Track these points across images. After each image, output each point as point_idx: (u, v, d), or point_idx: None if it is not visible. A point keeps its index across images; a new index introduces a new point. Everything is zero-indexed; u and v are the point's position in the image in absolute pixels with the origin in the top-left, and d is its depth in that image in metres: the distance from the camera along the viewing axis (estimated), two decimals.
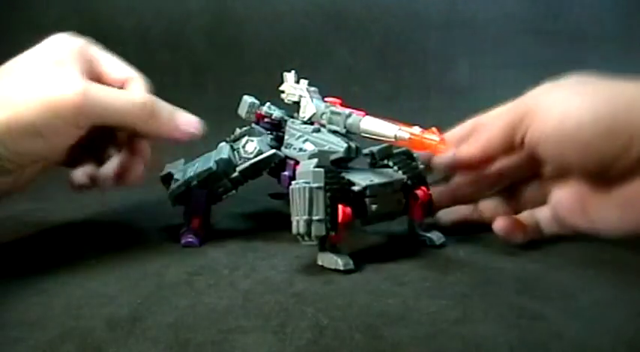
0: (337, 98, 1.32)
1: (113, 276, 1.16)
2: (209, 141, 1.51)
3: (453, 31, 2.18)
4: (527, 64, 2.18)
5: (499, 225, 1.26)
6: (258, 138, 1.34)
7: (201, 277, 1.15)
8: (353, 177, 1.20)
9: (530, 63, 2.18)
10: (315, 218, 1.13)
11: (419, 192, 1.25)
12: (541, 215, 1.31)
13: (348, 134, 1.26)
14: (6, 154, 1.12)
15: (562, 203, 1.25)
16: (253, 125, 1.39)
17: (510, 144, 1.22)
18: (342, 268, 1.15)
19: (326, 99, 1.33)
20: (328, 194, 1.13)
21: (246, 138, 1.34)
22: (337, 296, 1.06)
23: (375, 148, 1.28)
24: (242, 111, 1.42)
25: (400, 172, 1.26)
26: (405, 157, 1.29)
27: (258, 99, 1.42)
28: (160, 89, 2.19)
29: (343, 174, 1.20)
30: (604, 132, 1.09)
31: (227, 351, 0.89)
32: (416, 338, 0.92)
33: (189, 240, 1.32)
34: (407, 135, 1.15)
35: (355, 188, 1.18)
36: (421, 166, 1.29)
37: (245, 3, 2.17)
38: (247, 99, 1.42)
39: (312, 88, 1.37)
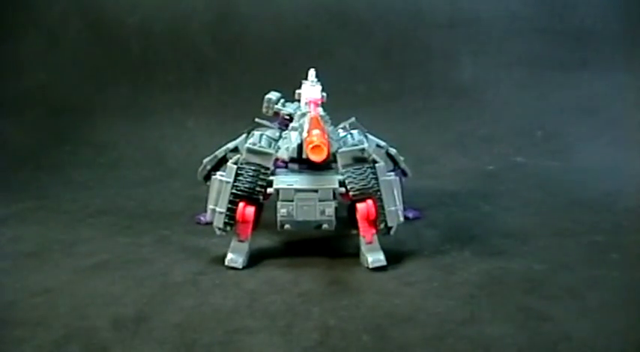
0: (320, 99, 1.31)
1: (118, 276, 1.16)
2: (213, 138, 1.51)
3: (457, 30, 2.17)
4: (531, 63, 2.17)
5: None
6: (260, 132, 1.31)
7: (207, 277, 1.14)
8: (279, 178, 1.19)
9: (534, 62, 2.17)
10: (218, 210, 1.18)
11: (359, 205, 1.18)
12: None
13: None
14: None
15: None
16: (256, 119, 1.38)
17: None
18: (226, 263, 1.18)
19: (309, 99, 1.31)
20: (233, 190, 1.17)
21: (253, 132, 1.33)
22: (344, 296, 1.06)
23: (342, 149, 1.20)
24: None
25: (348, 181, 1.17)
26: (367, 167, 1.18)
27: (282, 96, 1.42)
28: (163, 87, 2.20)
29: (275, 175, 1.20)
30: None
31: None
32: (424, 339, 0.91)
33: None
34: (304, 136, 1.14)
35: (269, 190, 1.18)
36: (388, 177, 1.18)
37: (249, 1, 2.16)
38: (269, 94, 1.41)
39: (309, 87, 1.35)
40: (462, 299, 1.04)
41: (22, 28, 2.23)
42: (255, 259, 1.21)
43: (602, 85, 2.14)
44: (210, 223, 1.20)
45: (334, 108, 1.36)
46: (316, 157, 1.07)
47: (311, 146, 1.06)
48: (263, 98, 1.40)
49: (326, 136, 1.08)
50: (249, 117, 1.35)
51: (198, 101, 2.16)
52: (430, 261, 1.20)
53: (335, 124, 1.29)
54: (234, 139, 1.32)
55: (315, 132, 1.08)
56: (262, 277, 1.14)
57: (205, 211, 1.22)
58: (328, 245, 1.30)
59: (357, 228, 1.19)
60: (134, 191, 1.78)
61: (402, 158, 1.40)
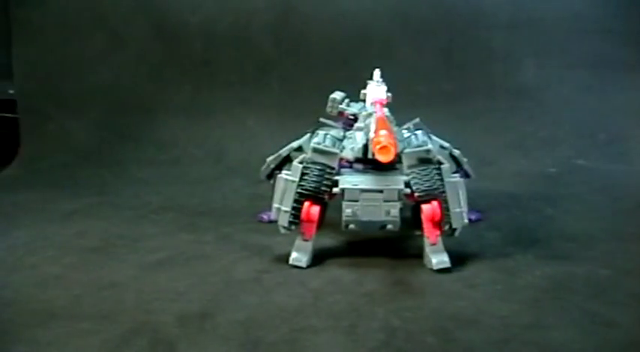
0: (386, 100, 1.31)
1: (182, 272, 1.17)
2: (273, 137, 1.52)
3: (519, 31, 2.14)
4: (594, 64, 2.13)
5: None
6: (324, 132, 1.31)
7: (270, 275, 1.15)
8: (344, 178, 1.19)
9: (597, 63, 2.14)
10: (283, 208, 1.19)
11: (424, 207, 1.18)
12: None
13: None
14: None
15: None
16: (321, 119, 1.38)
17: None
18: (290, 261, 1.19)
19: (375, 99, 1.31)
20: (298, 189, 1.18)
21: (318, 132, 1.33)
22: (408, 297, 1.06)
23: (407, 150, 1.20)
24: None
25: (413, 182, 1.18)
26: (432, 168, 1.19)
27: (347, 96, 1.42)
28: (225, 86, 2.22)
29: (340, 175, 1.20)
30: None
31: (299, 351, 0.89)
32: (489, 343, 0.91)
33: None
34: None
35: (334, 190, 1.18)
36: (453, 179, 1.19)
37: (310, 1, 2.17)
38: (334, 94, 1.41)
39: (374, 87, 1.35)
40: (526, 303, 1.03)
41: (87, 27, 2.26)
42: (318, 258, 1.22)
43: None
44: (274, 221, 1.21)
45: (395, 108, 1.36)
46: (384, 158, 1.07)
47: (379, 146, 1.06)
48: (325, 97, 1.40)
49: (393, 137, 1.08)
50: (309, 116, 1.35)
51: (259, 100, 2.17)
52: (493, 264, 1.20)
53: (396, 124, 1.29)
54: (298, 138, 1.33)
55: (383, 132, 1.07)
56: (326, 276, 1.14)
57: (268, 209, 1.23)
58: (391, 245, 1.30)
59: (420, 228, 1.18)
60: (196, 188, 1.80)
61: (465, 159, 1.39)
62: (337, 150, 1.21)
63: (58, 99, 2.22)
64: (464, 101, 2.12)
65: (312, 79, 2.09)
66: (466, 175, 1.39)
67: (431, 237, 1.17)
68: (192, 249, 1.30)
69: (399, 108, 1.37)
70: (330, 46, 2.16)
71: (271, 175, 1.32)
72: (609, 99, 2.12)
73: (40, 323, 0.98)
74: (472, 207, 1.42)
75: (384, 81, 1.36)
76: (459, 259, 1.19)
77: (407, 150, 1.19)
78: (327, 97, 1.40)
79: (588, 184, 1.79)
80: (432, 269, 1.16)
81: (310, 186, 1.18)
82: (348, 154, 1.23)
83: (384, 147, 1.06)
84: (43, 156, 2.09)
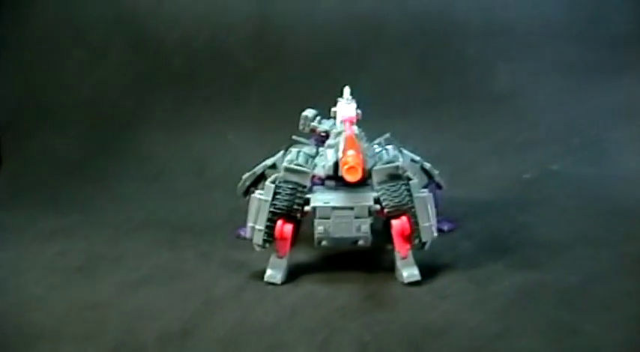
0: (355, 117, 1.33)
1: (162, 290, 1.20)
2: (253, 151, 1.54)
3: (493, 38, 2.17)
4: (567, 69, 2.16)
5: None
6: (297, 149, 1.34)
7: (248, 292, 1.18)
8: (316, 196, 1.22)
9: (570, 68, 2.17)
10: (257, 227, 1.22)
11: (393, 222, 1.20)
12: None
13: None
14: None
15: None
16: (293, 137, 1.40)
17: None
18: (265, 278, 1.22)
19: (344, 117, 1.33)
20: (271, 208, 1.20)
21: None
22: (380, 310, 1.09)
23: (377, 167, 1.22)
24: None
25: (382, 198, 1.20)
26: (401, 184, 1.20)
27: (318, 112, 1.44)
28: (203, 100, 2.24)
29: (312, 193, 1.23)
30: None
31: None
32: None
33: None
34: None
35: (306, 208, 1.21)
36: (422, 194, 1.21)
37: (286, 15, 2.18)
38: (305, 112, 1.44)
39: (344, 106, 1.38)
40: (495, 313, 1.06)
41: (65, 43, 2.28)
42: (294, 274, 1.24)
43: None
44: (251, 239, 1.24)
45: (372, 118, 1.38)
46: (351, 178, 1.10)
47: (346, 167, 1.09)
48: (300, 115, 1.43)
49: (361, 156, 1.11)
50: (288, 129, 1.38)
51: (238, 113, 2.19)
52: (465, 274, 1.22)
53: (372, 137, 1.32)
54: (273, 156, 1.35)
55: (350, 153, 1.10)
56: (301, 292, 1.17)
57: (245, 225, 1.25)
58: (365, 259, 1.32)
59: (392, 243, 1.22)
60: (177, 203, 1.81)
61: (436, 172, 1.41)
62: (309, 169, 1.24)
63: (38, 116, 2.22)
64: (439, 109, 2.14)
65: (289, 91, 2.10)
66: (438, 187, 1.42)
67: (401, 251, 1.20)
68: (173, 267, 1.32)
69: (376, 119, 1.39)
70: (307, 59, 2.18)
71: (247, 192, 1.35)
72: (583, 104, 2.14)
73: (24, 344, 1.01)
74: (447, 215, 1.45)
75: (354, 97, 1.38)
76: (432, 270, 1.22)
77: (376, 167, 1.21)
78: (306, 109, 1.43)
79: (563, 189, 1.80)
80: (403, 283, 1.19)
81: (282, 205, 1.21)
82: (320, 172, 1.26)
83: (351, 168, 1.09)
84: (24, 173, 2.09)
